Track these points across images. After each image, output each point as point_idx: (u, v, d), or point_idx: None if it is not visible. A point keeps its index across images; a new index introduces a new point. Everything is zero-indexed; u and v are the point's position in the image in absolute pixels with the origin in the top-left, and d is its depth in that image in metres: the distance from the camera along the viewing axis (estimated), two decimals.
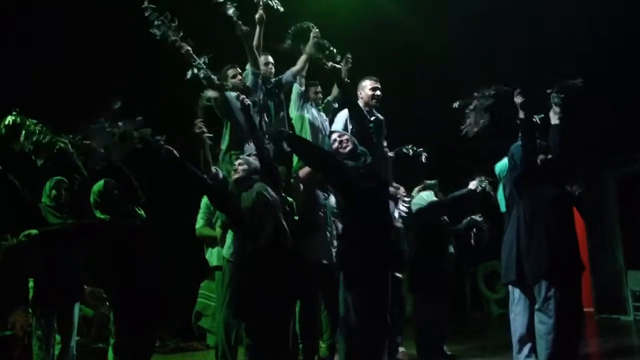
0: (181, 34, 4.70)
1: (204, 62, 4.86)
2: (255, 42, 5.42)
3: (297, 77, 5.70)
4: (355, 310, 3.85)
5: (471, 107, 4.58)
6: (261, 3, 5.23)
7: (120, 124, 4.05)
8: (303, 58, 5.54)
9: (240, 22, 5.08)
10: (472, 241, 5.97)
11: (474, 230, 5.95)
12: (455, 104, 4.70)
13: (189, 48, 4.82)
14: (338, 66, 4.82)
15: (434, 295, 5.72)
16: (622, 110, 8.05)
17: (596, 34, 7.32)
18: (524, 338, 4.98)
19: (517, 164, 4.43)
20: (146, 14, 4.59)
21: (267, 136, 4.97)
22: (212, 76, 4.97)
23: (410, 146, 6.01)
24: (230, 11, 4.93)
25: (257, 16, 5.32)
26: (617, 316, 8.66)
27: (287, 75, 5.68)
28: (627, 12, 7.12)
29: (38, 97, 6.47)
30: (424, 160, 5.97)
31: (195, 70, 4.86)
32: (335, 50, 4.84)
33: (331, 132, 4.47)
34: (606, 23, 7.25)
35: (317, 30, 5.23)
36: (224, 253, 5.20)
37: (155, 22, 4.61)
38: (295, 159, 5.89)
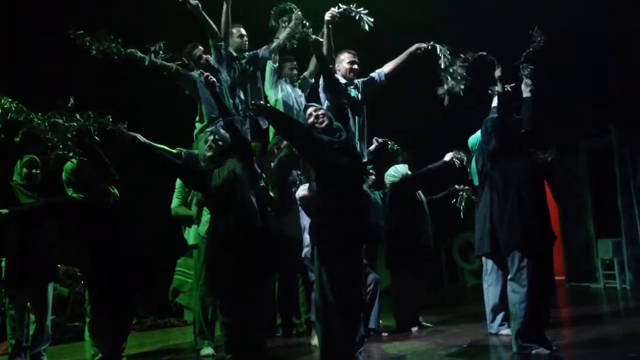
0: (119, 40, 4.67)
1: (159, 47, 4.82)
2: (223, 19, 5.33)
3: (272, 55, 5.65)
4: (330, 285, 3.87)
5: (450, 71, 4.60)
6: None
7: (76, 117, 4.00)
8: (280, 42, 5.49)
9: None
10: (461, 214, 6.01)
11: (460, 201, 5.97)
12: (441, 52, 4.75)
13: (136, 53, 4.86)
14: (321, 39, 4.76)
15: (410, 271, 5.78)
16: (594, 84, 8.14)
17: (570, 12, 7.36)
18: (497, 307, 5.10)
19: (491, 137, 4.47)
20: (78, 42, 4.55)
21: (241, 112, 4.93)
22: (168, 64, 5.03)
23: (393, 142, 6.06)
24: None
25: None
26: (587, 284, 8.87)
27: (264, 51, 5.62)
28: None
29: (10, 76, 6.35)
30: (400, 160, 6.03)
31: (146, 62, 4.90)
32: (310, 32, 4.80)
33: (306, 106, 4.42)
34: (575, 4, 7.30)
35: (299, 13, 5.15)
36: (200, 230, 5.20)
37: (92, 47, 4.57)
38: (271, 135, 5.87)
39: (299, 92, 5.96)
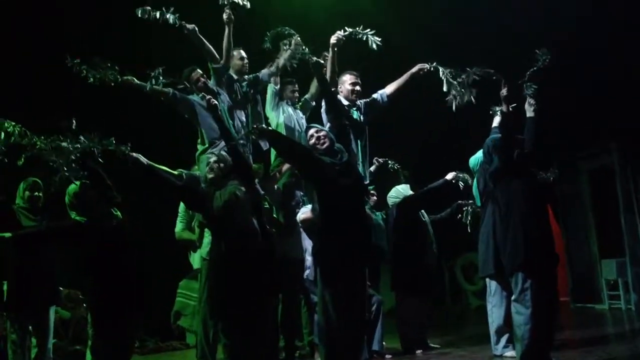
0: (116, 67, 4.69)
1: (158, 73, 4.84)
2: (225, 43, 5.36)
3: (272, 77, 5.68)
4: (333, 306, 3.85)
5: (458, 80, 4.60)
6: (227, 2, 5.14)
7: (80, 139, 4.02)
8: (280, 62, 5.52)
9: (183, 23, 5.03)
10: (469, 229, 5.92)
11: (466, 215, 5.88)
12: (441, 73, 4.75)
13: (132, 80, 4.86)
14: (322, 61, 4.77)
15: (415, 291, 5.75)
16: (595, 103, 8.17)
17: (573, 29, 7.42)
18: (501, 329, 5.05)
19: (492, 158, 4.47)
20: (75, 70, 4.57)
21: (242, 134, 4.95)
22: (164, 89, 5.04)
23: (393, 162, 6.05)
24: (171, 19, 4.89)
25: (225, 17, 5.25)
26: (592, 305, 8.80)
27: (264, 74, 5.65)
28: (595, 12, 7.23)
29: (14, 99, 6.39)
30: (402, 179, 6.03)
31: (147, 89, 4.90)
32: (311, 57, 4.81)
33: (308, 127, 4.43)
34: (574, 21, 7.37)
35: (298, 38, 5.16)
36: (202, 252, 5.19)
37: (89, 75, 4.59)
38: (272, 157, 5.88)
39: (300, 114, 5.98)
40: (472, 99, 4.53)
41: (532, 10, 7.47)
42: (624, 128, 8.16)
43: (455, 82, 4.65)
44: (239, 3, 5.11)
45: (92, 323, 4.33)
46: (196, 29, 5.14)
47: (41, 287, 4.89)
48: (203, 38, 5.22)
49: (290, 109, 5.87)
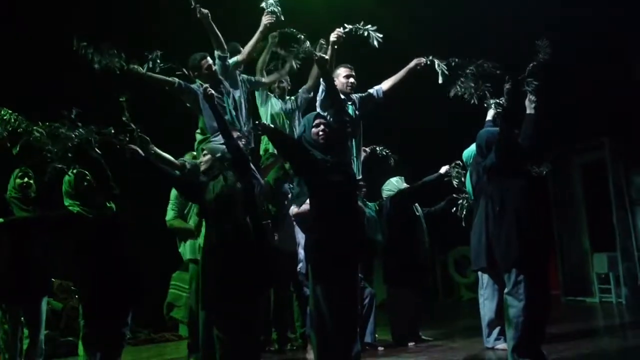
0: (123, 55, 4.61)
1: (156, 56, 4.78)
2: (251, 47, 5.34)
3: (262, 71, 5.66)
4: (325, 301, 3.86)
5: (466, 71, 4.56)
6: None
7: (79, 127, 3.99)
8: (274, 77, 5.48)
9: (198, 6, 4.99)
10: (464, 223, 5.90)
11: (461, 209, 5.85)
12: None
13: (138, 69, 4.77)
14: (326, 56, 4.73)
15: (408, 284, 5.76)
16: (587, 97, 8.20)
17: (567, 27, 7.43)
18: (493, 322, 5.09)
19: (486, 151, 4.45)
20: (81, 54, 4.46)
21: (248, 128, 4.93)
22: (169, 79, 5.00)
23: (381, 148, 6.04)
24: None
25: (266, 22, 5.22)
26: (583, 298, 8.86)
27: (261, 81, 5.64)
28: (592, 10, 7.25)
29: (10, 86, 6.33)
30: (391, 164, 6.01)
31: (142, 71, 4.81)
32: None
33: (317, 115, 4.38)
34: (570, 20, 7.38)
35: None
36: (200, 242, 5.13)
37: (94, 59, 4.49)
38: (262, 150, 5.87)
39: (289, 105, 5.93)
40: (487, 94, 4.44)
41: (530, 8, 7.46)
42: (617, 123, 8.20)
43: (462, 78, 4.59)
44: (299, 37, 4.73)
45: (83, 314, 4.32)
46: (209, 14, 5.10)
47: (33, 278, 4.87)
48: (214, 25, 5.19)
49: (279, 102, 5.82)
